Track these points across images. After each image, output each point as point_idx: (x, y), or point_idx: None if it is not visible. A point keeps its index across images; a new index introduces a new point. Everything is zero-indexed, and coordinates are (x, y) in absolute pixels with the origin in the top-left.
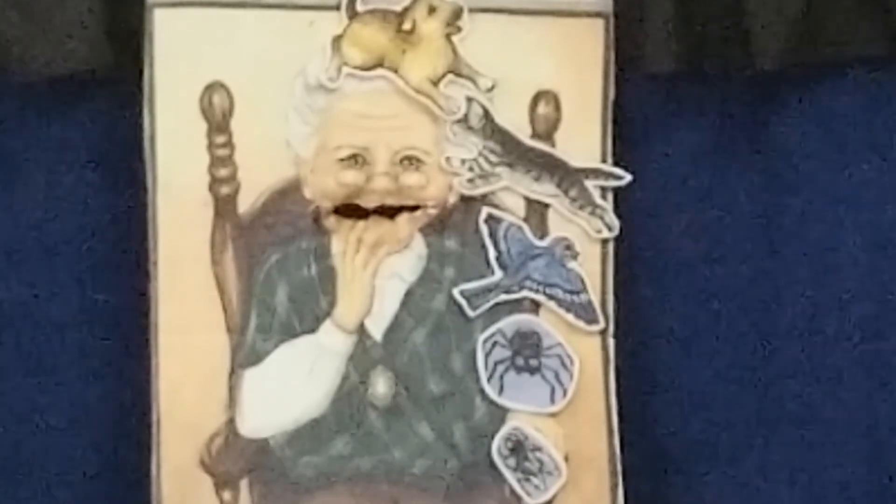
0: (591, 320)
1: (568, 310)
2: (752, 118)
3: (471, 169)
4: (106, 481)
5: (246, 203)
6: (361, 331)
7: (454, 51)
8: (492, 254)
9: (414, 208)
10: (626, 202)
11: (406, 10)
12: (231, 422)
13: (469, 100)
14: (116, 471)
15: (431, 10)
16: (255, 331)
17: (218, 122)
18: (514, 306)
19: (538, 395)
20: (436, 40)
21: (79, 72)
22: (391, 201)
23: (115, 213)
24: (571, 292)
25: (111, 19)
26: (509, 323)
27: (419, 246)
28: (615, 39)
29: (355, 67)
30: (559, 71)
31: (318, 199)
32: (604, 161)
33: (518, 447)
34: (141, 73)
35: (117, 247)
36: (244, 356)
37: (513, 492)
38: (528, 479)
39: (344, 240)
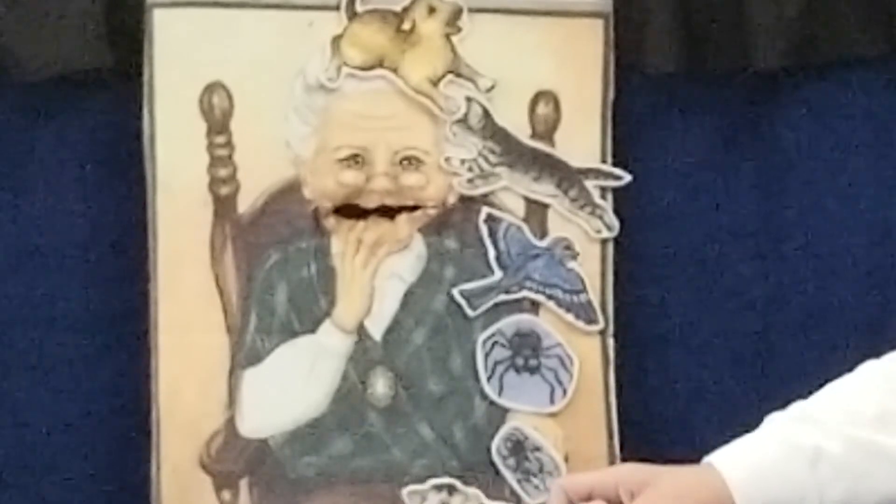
0: (591, 320)
1: (568, 310)
2: (752, 118)
3: (470, 169)
4: (106, 481)
5: (246, 203)
6: (361, 331)
7: (454, 51)
8: (492, 254)
9: (414, 208)
10: (626, 202)
11: (406, 10)
12: (231, 422)
13: (469, 100)
14: (116, 471)
15: (431, 10)
16: (255, 331)
17: (218, 122)
18: (514, 306)
19: (538, 395)
20: (436, 40)
21: (79, 72)
22: (391, 201)
23: (115, 213)
24: (571, 292)
25: (111, 19)
26: (509, 323)
27: (419, 246)
28: (615, 39)
29: (355, 67)
30: (559, 71)
31: (317, 199)
32: (603, 161)
33: (518, 447)
34: (141, 73)
35: (117, 247)
36: (244, 356)
37: (513, 492)
38: (527, 479)
39: (344, 240)
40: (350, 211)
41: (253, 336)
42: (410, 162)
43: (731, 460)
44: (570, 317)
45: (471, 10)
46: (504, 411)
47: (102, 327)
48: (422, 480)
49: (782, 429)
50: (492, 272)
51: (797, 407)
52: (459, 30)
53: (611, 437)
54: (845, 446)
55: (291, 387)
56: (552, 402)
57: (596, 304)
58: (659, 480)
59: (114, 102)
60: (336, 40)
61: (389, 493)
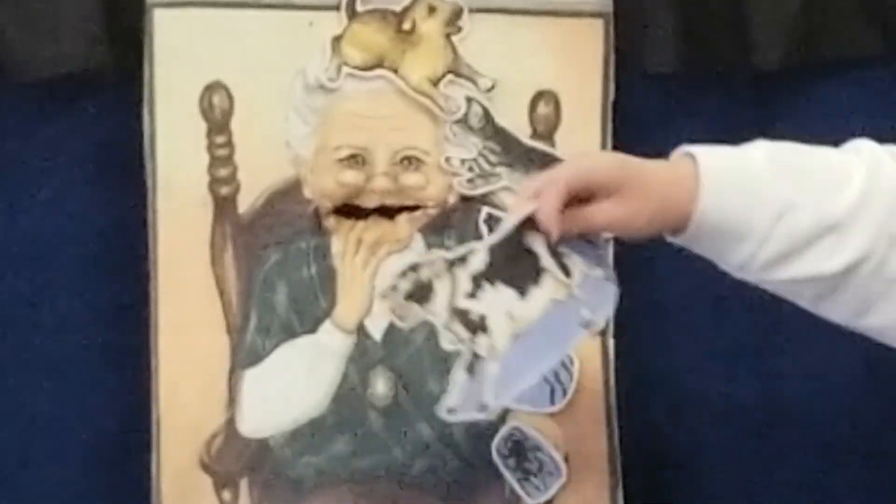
0: None
1: None
2: (752, 118)
3: (471, 169)
4: (106, 481)
5: (246, 203)
6: (361, 331)
7: (454, 51)
8: None
9: (414, 208)
10: None
11: (406, 10)
12: (231, 422)
13: (469, 100)
14: (116, 471)
15: (431, 10)
16: (255, 331)
17: (218, 122)
18: None
19: (538, 395)
20: (436, 40)
21: (79, 72)
22: (391, 201)
23: (115, 213)
24: None
25: (111, 19)
26: None
27: (419, 246)
28: (615, 39)
29: (355, 67)
30: (559, 71)
31: (317, 199)
32: None
33: (518, 447)
34: (141, 73)
35: (117, 247)
36: (244, 356)
37: (513, 492)
38: (528, 479)
39: (344, 240)
40: (350, 211)
41: (253, 336)
42: (410, 162)
43: (712, 152)
44: None
45: (471, 10)
46: (504, 411)
47: (102, 327)
48: (422, 480)
49: (768, 145)
50: None
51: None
52: (460, 30)
53: (611, 437)
54: (821, 162)
55: (291, 387)
56: (552, 402)
57: None
58: (632, 180)
59: (114, 102)
60: (336, 40)
61: (389, 493)
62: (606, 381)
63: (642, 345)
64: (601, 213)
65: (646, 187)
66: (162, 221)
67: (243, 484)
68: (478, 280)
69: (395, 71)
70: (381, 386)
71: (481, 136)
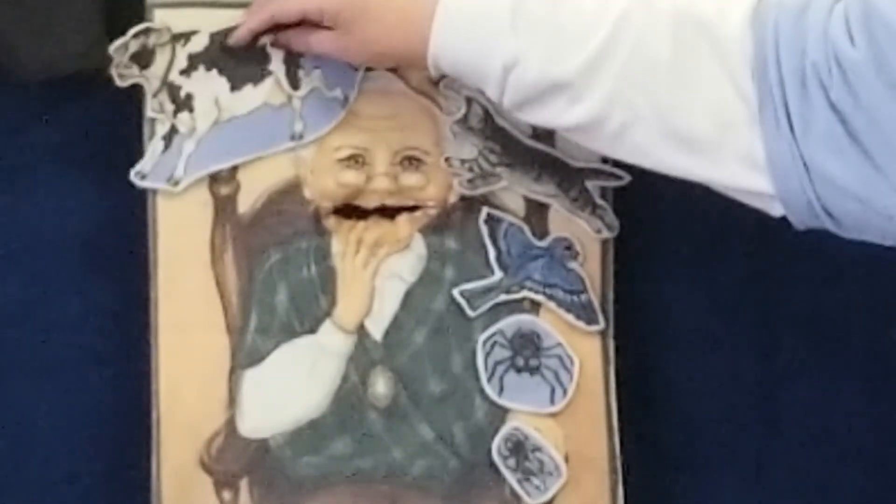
0: (591, 320)
1: (568, 310)
2: None
3: (471, 169)
4: (106, 481)
5: (246, 203)
6: (361, 331)
7: None
8: (492, 254)
9: (414, 208)
10: (626, 202)
11: None
12: (231, 422)
13: (469, 100)
14: (116, 471)
15: None
16: (255, 331)
17: None
18: (514, 306)
19: (538, 396)
20: None
21: (79, 72)
22: (391, 201)
23: (115, 213)
24: (571, 292)
25: (111, 19)
26: (509, 323)
27: (419, 246)
28: None
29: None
30: None
31: (318, 199)
32: (604, 161)
33: (518, 447)
34: None
35: (117, 247)
36: (244, 356)
37: (513, 492)
38: (528, 480)
39: (344, 240)
40: (350, 211)
41: (253, 336)
42: (411, 162)
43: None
44: (570, 317)
45: None
46: (504, 411)
47: (102, 327)
48: (422, 480)
49: None
50: (492, 272)
51: None
52: None
53: (611, 437)
54: (570, 16)
55: (291, 387)
56: (552, 402)
57: (596, 304)
58: (351, 14)
59: (114, 102)
60: None
61: (389, 493)
62: (606, 381)
63: (642, 345)
64: (318, 42)
65: (368, 27)
66: (162, 221)
67: (243, 484)
68: (194, 60)
69: (395, 70)
70: (381, 386)
71: (481, 136)
